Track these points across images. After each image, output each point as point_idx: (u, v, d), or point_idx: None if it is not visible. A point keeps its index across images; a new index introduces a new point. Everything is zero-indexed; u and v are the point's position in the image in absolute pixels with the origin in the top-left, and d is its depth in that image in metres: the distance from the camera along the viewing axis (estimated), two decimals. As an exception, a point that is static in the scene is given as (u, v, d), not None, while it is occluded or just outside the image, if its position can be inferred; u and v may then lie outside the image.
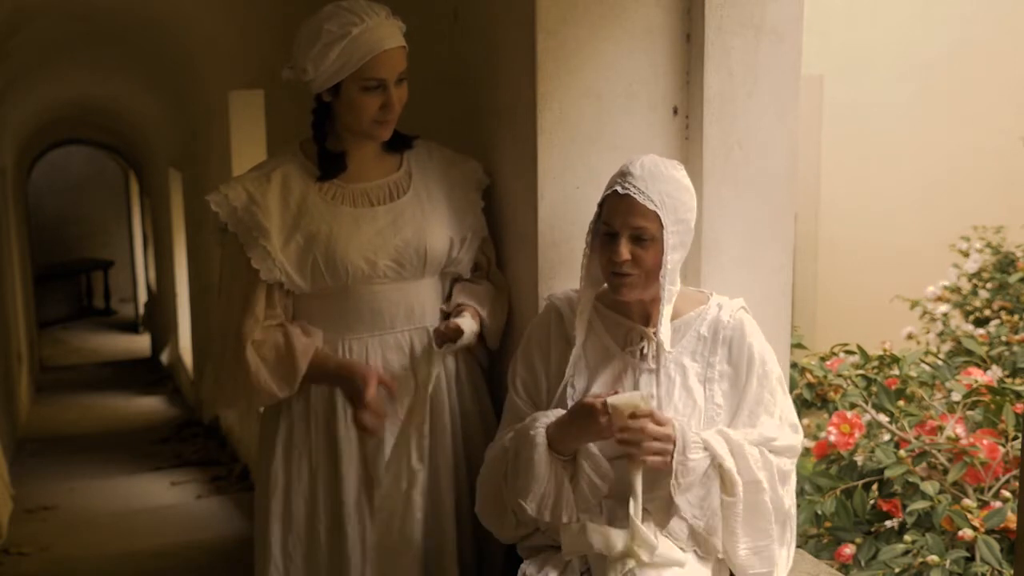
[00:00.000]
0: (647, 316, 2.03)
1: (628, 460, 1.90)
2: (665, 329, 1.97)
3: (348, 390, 2.24)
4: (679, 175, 1.96)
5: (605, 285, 2.04)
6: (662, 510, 1.94)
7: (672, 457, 1.87)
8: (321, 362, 2.23)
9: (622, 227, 1.92)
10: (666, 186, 1.92)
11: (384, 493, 2.27)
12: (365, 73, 2.15)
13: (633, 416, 1.86)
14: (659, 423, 1.87)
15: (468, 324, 2.26)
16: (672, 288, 1.96)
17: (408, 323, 2.29)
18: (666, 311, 1.96)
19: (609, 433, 1.87)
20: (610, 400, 1.87)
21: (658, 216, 1.90)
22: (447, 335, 2.25)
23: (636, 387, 2.01)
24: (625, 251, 1.92)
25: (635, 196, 1.89)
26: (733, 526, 1.94)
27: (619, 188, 1.92)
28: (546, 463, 1.93)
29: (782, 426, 2.00)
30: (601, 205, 1.97)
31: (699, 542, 1.96)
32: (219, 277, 2.29)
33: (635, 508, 1.89)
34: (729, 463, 1.90)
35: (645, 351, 2.03)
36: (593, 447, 1.94)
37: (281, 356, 2.20)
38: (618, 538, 1.90)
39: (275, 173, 2.24)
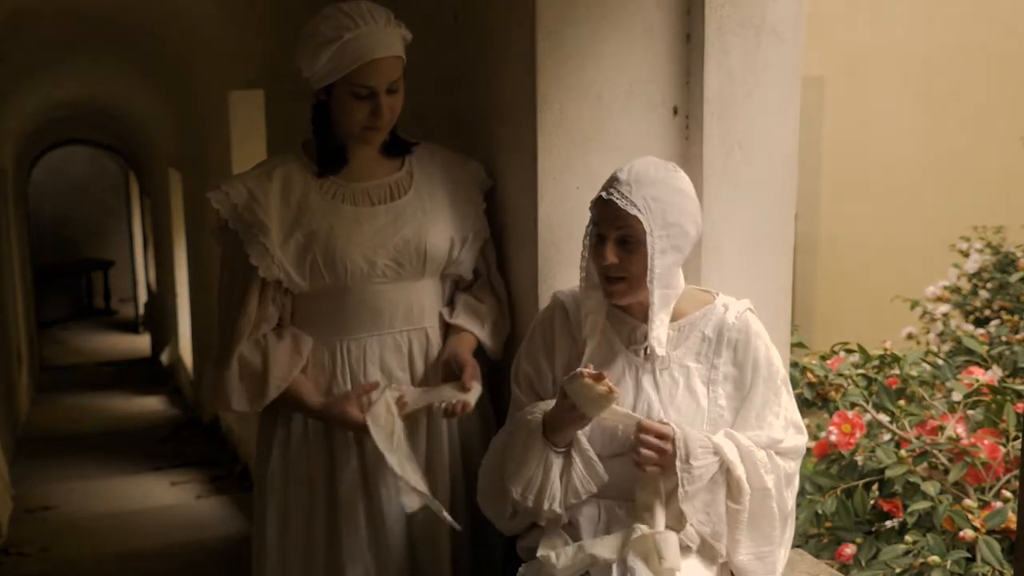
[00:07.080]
0: (648, 316, 2.03)
1: (638, 483, 1.92)
2: (658, 333, 1.96)
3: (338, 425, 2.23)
4: (671, 177, 1.95)
5: None
6: (674, 519, 1.94)
7: (676, 464, 1.87)
8: (299, 398, 2.23)
9: (607, 231, 1.94)
10: (652, 190, 1.91)
11: (381, 493, 2.26)
12: (354, 79, 2.15)
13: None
14: (660, 433, 1.88)
15: (474, 395, 2.23)
16: (668, 292, 1.95)
17: (407, 323, 2.28)
18: (659, 317, 1.95)
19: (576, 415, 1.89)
20: (567, 385, 1.88)
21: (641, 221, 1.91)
22: (455, 413, 2.21)
23: (638, 387, 2.00)
24: (611, 255, 1.93)
25: (617, 201, 1.91)
26: (736, 533, 1.94)
27: (604, 194, 1.94)
28: (537, 449, 1.95)
29: (787, 427, 2.01)
30: (592, 210, 1.99)
31: (706, 544, 1.96)
32: (219, 276, 2.28)
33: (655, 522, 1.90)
34: (739, 471, 1.90)
35: (648, 351, 2.02)
36: (585, 442, 1.94)
37: (255, 377, 2.21)
38: (617, 542, 1.91)
39: (276, 172, 2.24)
